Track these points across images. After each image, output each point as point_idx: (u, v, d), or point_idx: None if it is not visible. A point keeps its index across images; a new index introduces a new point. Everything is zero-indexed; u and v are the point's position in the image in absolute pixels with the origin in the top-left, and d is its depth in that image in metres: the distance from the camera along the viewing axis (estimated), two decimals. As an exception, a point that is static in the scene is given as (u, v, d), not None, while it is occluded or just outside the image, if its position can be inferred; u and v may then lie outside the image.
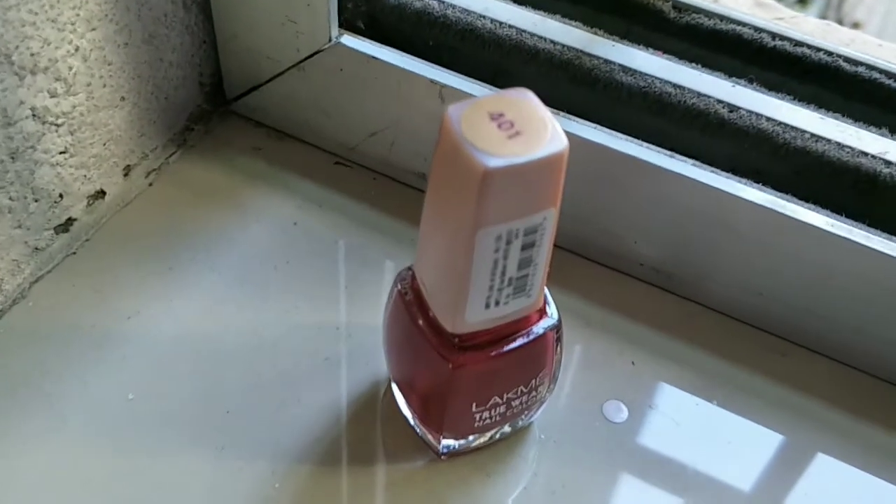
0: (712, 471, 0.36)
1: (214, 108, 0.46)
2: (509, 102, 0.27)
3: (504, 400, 0.32)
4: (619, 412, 0.37)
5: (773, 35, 0.41)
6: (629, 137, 0.38)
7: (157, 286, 0.39)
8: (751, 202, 0.36)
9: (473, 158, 0.25)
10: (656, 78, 0.39)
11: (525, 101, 0.27)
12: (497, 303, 0.29)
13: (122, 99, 0.41)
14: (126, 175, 0.43)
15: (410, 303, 0.32)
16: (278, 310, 0.39)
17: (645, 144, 0.38)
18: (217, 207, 0.42)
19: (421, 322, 0.31)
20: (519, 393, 0.32)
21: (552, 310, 0.32)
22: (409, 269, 0.33)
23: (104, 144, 0.41)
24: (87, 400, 0.35)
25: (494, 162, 0.25)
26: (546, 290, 0.32)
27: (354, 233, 0.42)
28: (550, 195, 0.27)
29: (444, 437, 0.33)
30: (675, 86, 0.39)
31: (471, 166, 0.25)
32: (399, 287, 0.32)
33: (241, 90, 0.44)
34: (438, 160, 0.27)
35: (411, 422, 0.35)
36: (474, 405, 0.32)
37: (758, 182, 0.37)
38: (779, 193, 0.37)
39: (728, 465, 0.36)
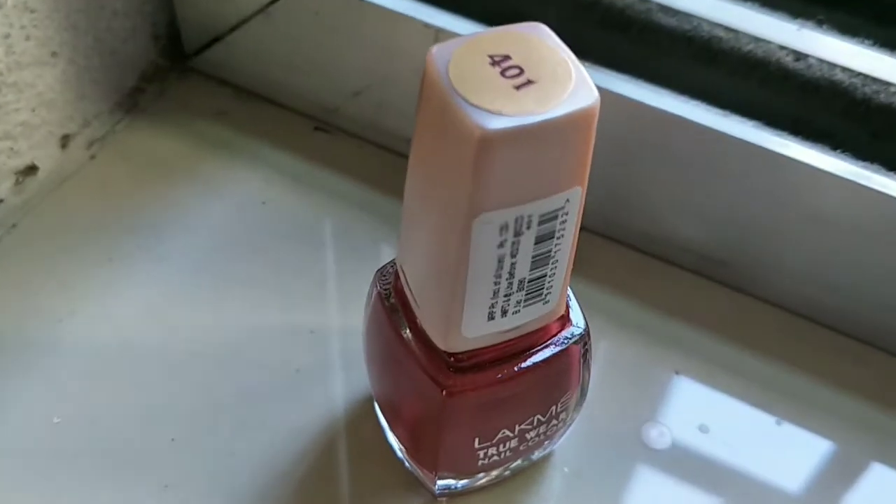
0: (779, 511, 0.29)
1: (171, 66, 0.39)
2: (516, 40, 0.19)
3: (516, 433, 0.25)
4: (662, 437, 0.30)
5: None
6: (672, 92, 0.32)
7: (95, 281, 0.33)
8: (824, 172, 0.30)
9: (466, 118, 0.18)
10: (704, 19, 0.33)
11: (538, 39, 0.20)
12: (504, 312, 0.22)
13: (54, 54, 0.34)
14: (63, 146, 0.36)
15: (393, 308, 0.25)
16: (241, 310, 0.32)
17: (691, 101, 0.32)
18: (171, 184, 0.36)
19: (406, 334, 0.24)
20: (535, 423, 0.25)
21: (577, 316, 0.25)
22: (393, 263, 0.25)
23: (33, 110, 0.34)
24: (2, 424, 0.29)
25: (495, 122, 0.18)
26: (569, 292, 0.25)
27: (336, 213, 0.35)
28: (575, 169, 0.20)
29: (439, 477, 0.26)
30: (727, 29, 0.33)
31: (463, 129, 0.18)
32: (379, 288, 0.25)
33: (202, 42, 0.38)
34: (421, 122, 0.20)
35: (399, 455, 0.28)
36: (477, 441, 0.25)
37: (833, 147, 0.31)
38: (859, 161, 0.31)
39: (799, 499, 0.29)
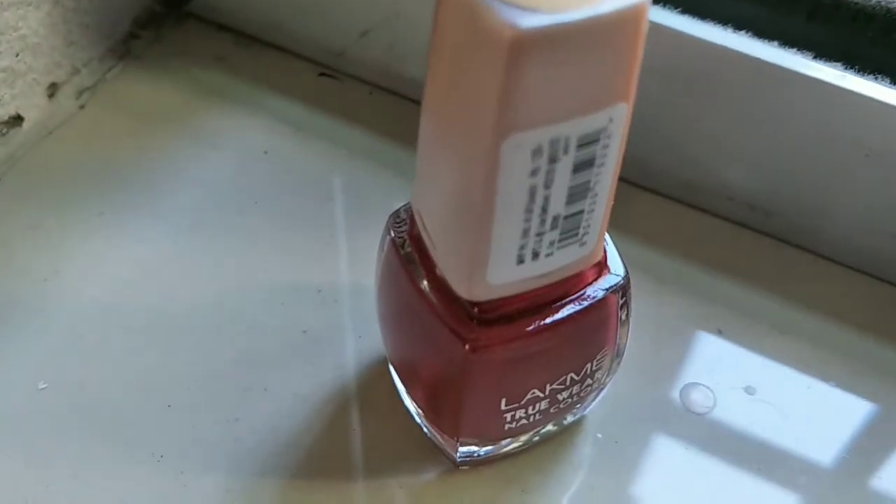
0: (832, 478, 0.26)
1: (168, 10, 0.37)
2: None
3: (547, 393, 0.23)
4: (704, 399, 0.27)
5: None
6: (714, 23, 0.29)
7: (83, 238, 0.31)
8: (885, 104, 0.27)
9: (495, 16, 0.15)
10: None
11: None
12: (535, 255, 0.19)
13: (37, -7, 0.31)
14: (51, 96, 0.34)
15: (409, 257, 0.22)
16: (241, 268, 0.30)
17: (737, 33, 0.29)
18: (166, 134, 0.34)
19: (424, 284, 0.22)
20: (569, 382, 0.23)
21: (616, 263, 0.22)
22: (408, 207, 0.23)
23: (17, 55, 0.32)
24: (-17, 391, 0.27)
25: (530, 20, 0.15)
26: (607, 236, 0.22)
27: (344, 164, 0.33)
28: (620, 81, 0.17)
29: (461, 444, 0.24)
30: None
31: (491, 30, 0.16)
32: (392, 234, 0.23)
33: (199, -17, 0.35)
34: (440, 27, 0.17)
35: (417, 420, 0.25)
36: (504, 402, 0.22)
37: (893, 81, 0.28)
38: None
39: (850, 467, 0.27)
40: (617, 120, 0.18)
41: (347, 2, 0.34)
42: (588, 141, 0.18)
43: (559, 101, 0.17)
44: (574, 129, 0.17)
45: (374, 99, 0.35)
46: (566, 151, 0.17)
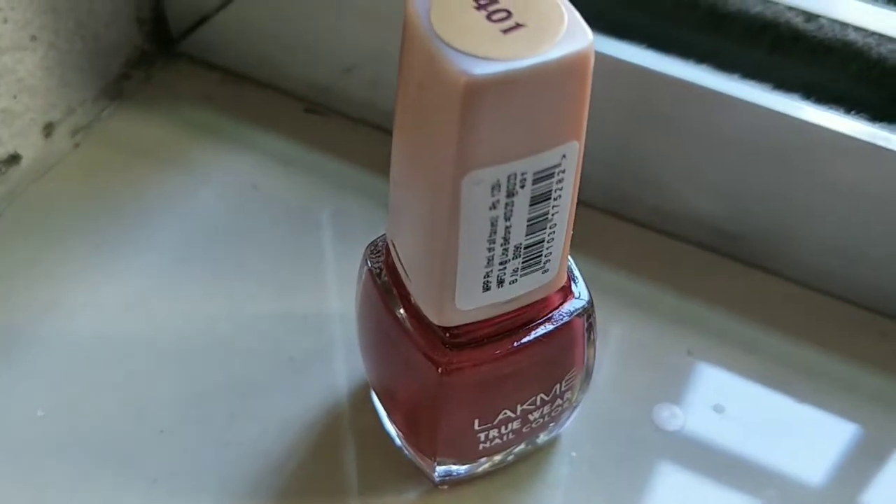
0: (797, 490, 0.27)
1: (158, 50, 0.38)
2: (504, -18, 0.18)
3: (518, 413, 0.24)
4: (674, 418, 0.28)
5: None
6: (678, 58, 0.30)
7: (79, 270, 0.32)
8: (840, 134, 0.28)
9: (450, 65, 0.17)
10: None
11: (528, -19, 0.18)
12: (500, 282, 0.21)
13: (33, 38, 0.33)
14: (47, 135, 0.35)
15: (385, 286, 0.23)
16: (231, 297, 0.31)
17: (700, 65, 0.30)
18: (158, 171, 0.35)
19: (400, 312, 0.23)
20: (539, 403, 0.24)
21: (580, 287, 0.23)
22: (385, 238, 0.24)
23: (14, 97, 0.33)
24: (-16, 419, 0.28)
25: (482, 68, 0.17)
26: (570, 261, 0.23)
27: (329, 196, 0.34)
28: (570, 121, 0.18)
29: (438, 463, 0.25)
30: None
31: (447, 77, 0.17)
32: (370, 264, 0.24)
33: (188, 24, 0.37)
34: (404, 75, 0.19)
35: (398, 442, 0.26)
36: (477, 422, 0.23)
37: (847, 111, 0.29)
38: (876, 123, 0.29)
39: (818, 481, 0.27)
40: (570, 156, 0.19)
41: (332, 40, 0.35)
42: (543, 176, 0.19)
43: (514, 141, 0.18)
44: (529, 165, 0.18)
45: (358, 133, 0.36)
46: (523, 186, 0.19)
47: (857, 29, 0.30)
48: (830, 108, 0.29)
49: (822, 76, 0.30)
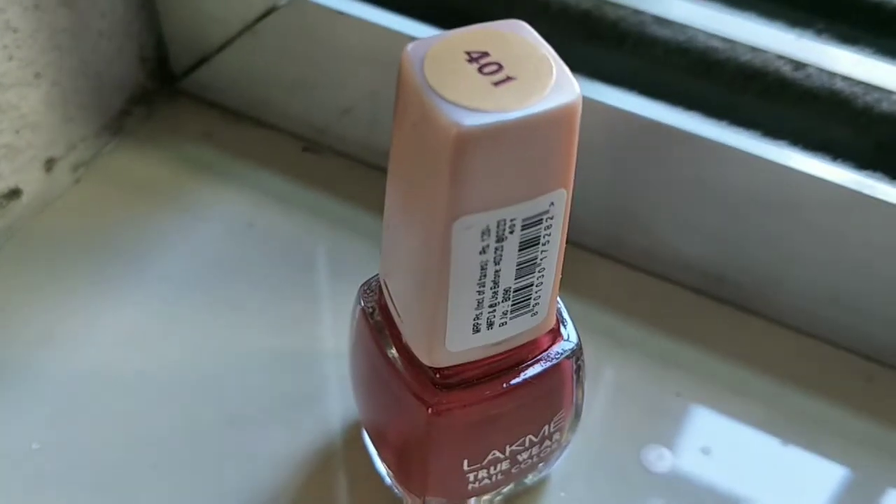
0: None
1: (160, 88, 0.39)
2: (495, 37, 0.19)
3: (507, 454, 0.24)
4: (662, 459, 0.28)
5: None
6: (668, 104, 0.31)
7: (78, 305, 0.32)
8: (827, 182, 0.29)
9: (442, 116, 0.17)
10: (699, 30, 0.32)
11: (517, 36, 0.19)
12: (490, 324, 0.21)
13: (37, 76, 0.33)
14: (48, 170, 0.35)
15: (378, 325, 0.24)
16: (226, 334, 0.31)
17: (689, 112, 0.31)
18: (157, 207, 0.35)
19: (392, 352, 0.23)
20: (527, 444, 0.24)
21: (569, 330, 0.24)
22: (377, 278, 0.24)
23: (17, 132, 0.33)
24: (-22, 452, 0.28)
25: (473, 119, 0.17)
26: (560, 303, 0.24)
27: (326, 235, 0.34)
28: (558, 170, 0.19)
29: (427, 503, 0.25)
30: (723, 39, 0.32)
31: (439, 127, 0.17)
32: (363, 304, 0.24)
33: (190, 63, 0.37)
34: (398, 123, 0.19)
35: (388, 481, 0.27)
36: (466, 463, 0.24)
37: (834, 158, 0.30)
38: (862, 171, 0.30)
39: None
40: (558, 203, 0.19)
41: (330, 81, 0.35)
42: (532, 223, 0.19)
43: (503, 188, 0.18)
44: (518, 212, 0.19)
45: (354, 172, 0.36)
46: (512, 231, 0.19)
47: (845, 78, 0.31)
48: (817, 155, 0.30)
49: (809, 124, 0.31)
